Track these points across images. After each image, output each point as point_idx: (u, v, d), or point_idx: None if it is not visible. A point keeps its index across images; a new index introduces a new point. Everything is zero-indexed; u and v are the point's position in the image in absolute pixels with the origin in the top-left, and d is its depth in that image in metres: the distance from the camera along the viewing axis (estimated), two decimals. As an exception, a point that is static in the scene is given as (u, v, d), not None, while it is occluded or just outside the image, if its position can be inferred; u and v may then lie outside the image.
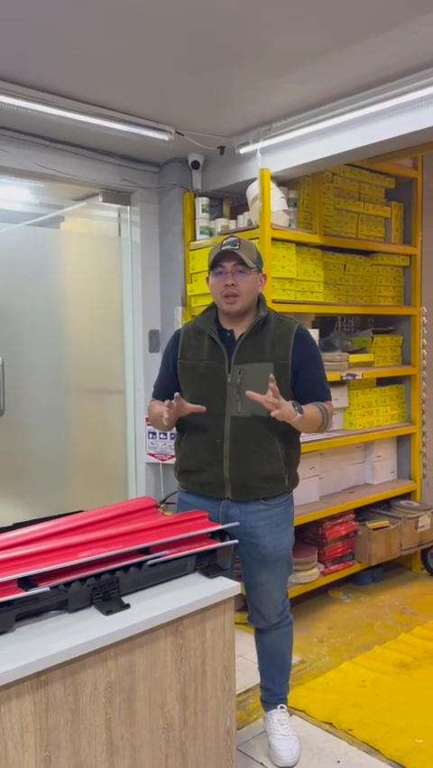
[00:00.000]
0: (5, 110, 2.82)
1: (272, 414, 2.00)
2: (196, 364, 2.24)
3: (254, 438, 2.13)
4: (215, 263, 2.16)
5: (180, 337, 2.32)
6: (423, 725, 2.50)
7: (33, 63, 2.53)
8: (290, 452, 2.22)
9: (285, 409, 2.01)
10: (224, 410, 2.15)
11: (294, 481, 2.27)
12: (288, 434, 2.19)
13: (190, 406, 2.13)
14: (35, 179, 3.43)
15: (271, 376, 2.02)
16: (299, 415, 2.05)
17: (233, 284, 2.13)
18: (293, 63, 2.54)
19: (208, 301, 3.44)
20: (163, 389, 2.34)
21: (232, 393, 2.15)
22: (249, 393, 2.02)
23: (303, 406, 2.11)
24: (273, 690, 2.42)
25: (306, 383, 2.19)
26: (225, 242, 2.16)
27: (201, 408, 2.13)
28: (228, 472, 2.17)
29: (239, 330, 2.21)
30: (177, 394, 2.10)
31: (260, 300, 2.24)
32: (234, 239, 2.16)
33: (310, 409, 2.14)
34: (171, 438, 3.68)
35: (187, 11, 2.15)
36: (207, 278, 2.24)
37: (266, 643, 2.39)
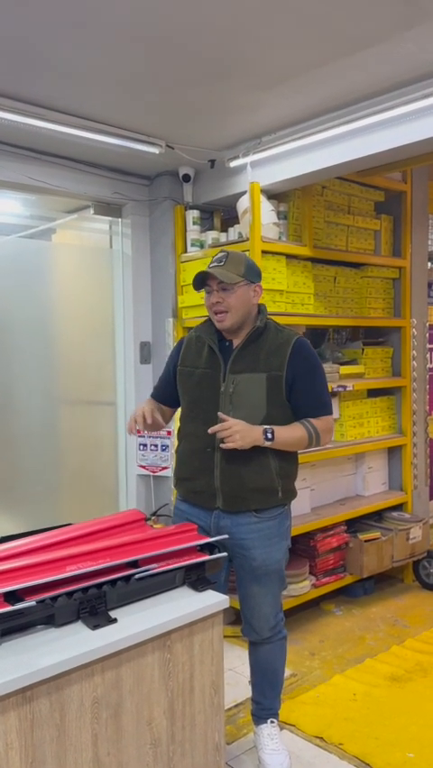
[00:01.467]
0: (-4, 123, 2.83)
1: (224, 446, 2.05)
2: (192, 371, 2.26)
3: (246, 451, 2.11)
4: (202, 283, 2.18)
5: (183, 344, 2.36)
6: (414, 738, 2.49)
7: (25, 78, 2.54)
8: (283, 464, 2.20)
9: (244, 440, 2.05)
10: (215, 419, 2.15)
11: (289, 494, 2.25)
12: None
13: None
14: (27, 192, 3.44)
15: (220, 414, 2.07)
16: (267, 443, 2.08)
17: (219, 301, 2.15)
18: (282, 77, 2.57)
19: (199, 313, 3.47)
20: (162, 393, 2.43)
21: (225, 402, 2.15)
22: (212, 430, 2.07)
23: (283, 428, 2.12)
24: (264, 704, 2.40)
25: (301, 396, 2.18)
26: (214, 258, 2.19)
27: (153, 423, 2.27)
28: (219, 482, 2.17)
29: (237, 340, 2.22)
30: (149, 421, 2.24)
31: (260, 311, 2.24)
32: (221, 255, 2.17)
33: (292, 430, 2.14)
34: (162, 450, 3.68)
35: (176, 26, 2.17)
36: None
37: (258, 656, 2.38)
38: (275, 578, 2.27)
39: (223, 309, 2.15)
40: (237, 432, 2.03)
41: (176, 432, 2.41)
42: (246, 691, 2.52)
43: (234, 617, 3.30)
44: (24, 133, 3.00)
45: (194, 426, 2.21)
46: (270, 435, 2.08)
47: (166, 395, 2.41)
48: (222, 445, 2.06)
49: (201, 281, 2.17)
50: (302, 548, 3.66)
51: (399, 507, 4.14)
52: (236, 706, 2.72)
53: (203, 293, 2.24)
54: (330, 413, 2.24)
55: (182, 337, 2.41)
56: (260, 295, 2.23)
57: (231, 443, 2.04)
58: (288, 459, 2.23)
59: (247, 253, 3.20)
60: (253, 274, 2.20)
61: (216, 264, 2.16)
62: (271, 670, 2.39)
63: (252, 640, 2.37)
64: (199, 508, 2.24)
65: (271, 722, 2.40)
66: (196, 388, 2.24)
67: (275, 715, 2.42)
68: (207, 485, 2.19)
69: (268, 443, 2.08)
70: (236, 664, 2.97)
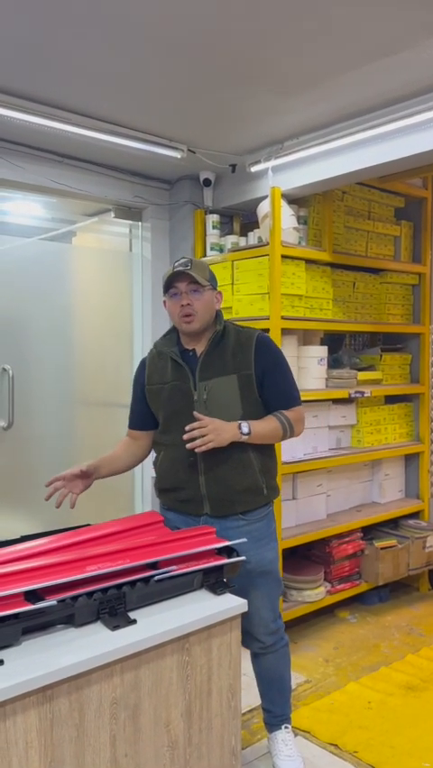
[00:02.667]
0: (21, 126, 2.86)
1: (199, 449, 2.03)
2: (162, 387, 2.25)
3: (227, 451, 2.11)
4: (168, 285, 2.18)
5: (147, 364, 2.34)
6: (430, 748, 2.47)
7: (49, 81, 2.57)
8: (264, 461, 2.22)
9: (220, 437, 2.04)
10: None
11: (272, 492, 2.26)
12: (262, 445, 2.20)
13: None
14: (48, 195, 3.47)
15: (195, 413, 2.06)
16: (244, 437, 2.08)
17: (188, 304, 2.15)
18: (306, 83, 2.57)
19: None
20: (136, 417, 2.38)
21: (200, 410, 2.15)
22: (188, 430, 2.04)
23: (256, 421, 2.13)
24: (275, 711, 2.38)
25: (271, 390, 2.20)
26: (176, 263, 2.18)
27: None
28: (205, 488, 2.17)
29: (200, 348, 2.22)
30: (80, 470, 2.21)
31: (217, 316, 2.25)
32: (185, 260, 2.18)
33: (266, 423, 2.15)
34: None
35: (201, 31, 2.18)
36: (164, 301, 2.25)
37: (263, 666, 2.36)
38: (270, 579, 2.26)
39: (191, 311, 2.15)
40: (212, 431, 2.03)
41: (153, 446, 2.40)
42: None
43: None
44: (47, 136, 3.03)
45: (173, 437, 2.20)
46: (246, 429, 2.08)
47: (142, 418, 2.35)
48: (197, 449, 2.03)
49: (171, 282, 2.18)
50: (318, 554, 3.64)
51: (415, 515, 4.11)
52: (250, 711, 2.71)
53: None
54: (300, 404, 2.27)
55: (144, 357, 2.39)
56: (220, 302, 2.27)
57: (208, 443, 2.02)
58: (268, 455, 2.25)
59: (267, 258, 3.22)
60: (214, 281, 2.26)
61: (182, 267, 2.15)
62: (278, 678, 2.37)
63: (255, 651, 2.34)
64: (186, 516, 2.23)
65: (286, 728, 2.38)
66: (168, 402, 2.23)
67: (288, 720, 2.40)
68: (194, 493, 2.19)
69: (245, 438, 2.08)
70: (250, 669, 2.95)
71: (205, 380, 2.17)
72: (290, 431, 2.21)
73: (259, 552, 2.20)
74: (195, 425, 2.05)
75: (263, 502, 2.23)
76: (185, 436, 2.05)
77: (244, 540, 2.04)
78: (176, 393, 2.21)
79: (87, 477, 2.25)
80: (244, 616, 2.25)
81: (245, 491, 2.18)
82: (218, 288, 2.28)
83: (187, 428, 2.05)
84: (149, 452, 2.42)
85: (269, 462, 2.26)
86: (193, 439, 2.04)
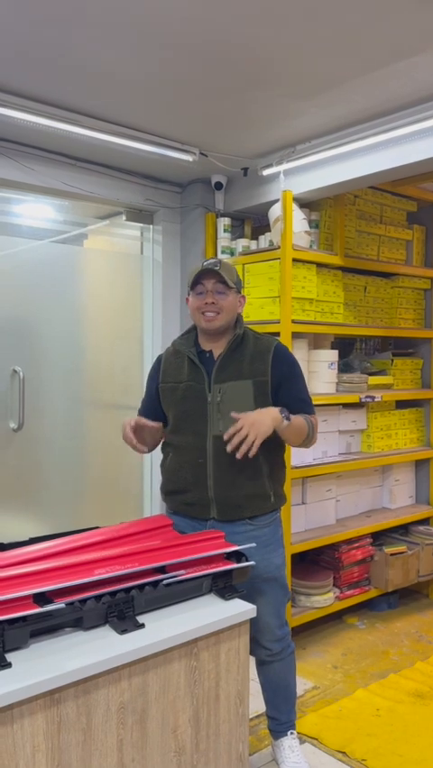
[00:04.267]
0: (34, 129, 2.87)
1: (247, 443, 1.96)
2: (176, 386, 2.24)
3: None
4: (195, 282, 2.18)
5: (162, 361, 2.34)
6: (439, 758, 2.44)
7: (62, 84, 2.58)
8: (274, 469, 2.21)
9: (261, 429, 1.97)
10: (205, 430, 2.15)
11: (280, 499, 2.25)
12: (272, 452, 2.18)
13: (148, 423, 2.17)
14: (60, 197, 3.48)
15: (234, 414, 2.00)
16: (285, 422, 2.05)
17: (213, 302, 2.15)
18: (318, 87, 2.56)
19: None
20: (148, 413, 2.34)
21: (213, 412, 2.14)
22: (232, 420, 2.00)
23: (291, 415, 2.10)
24: (281, 719, 2.37)
25: (288, 399, 2.18)
26: (205, 262, 2.18)
27: (155, 425, 2.17)
28: (213, 492, 2.16)
29: (218, 350, 2.21)
30: (140, 421, 2.16)
31: (237, 320, 2.25)
32: (214, 260, 2.18)
33: (298, 419, 2.13)
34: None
35: (213, 35, 2.18)
36: (187, 298, 2.25)
37: (269, 674, 2.34)
38: (276, 586, 2.25)
39: (216, 309, 2.15)
40: (250, 427, 1.97)
41: (160, 446, 2.37)
42: (268, 702, 2.50)
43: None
44: (60, 139, 3.04)
45: (183, 439, 2.19)
46: (286, 414, 2.06)
47: (152, 413, 2.33)
48: (250, 454, 1.98)
49: (198, 279, 2.17)
50: (327, 560, 3.62)
51: (425, 522, 4.08)
52: (258, 717, 2.69)
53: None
54: (314, 413, 2.26)
55: (159, 354, 2.39)
56: (243, 306, 2.27)
57: (252, 443, 1.96)
58: (278, 463, 2.25)
59: (278, 261, 3.21)
60: (240, 284, 2.25)
61: (211, 266, 2.15)
62: (284, 685, 2.35)
63: (261, 659, 2.32)
64: (193, 519, 2.22)
65: (291, 734, 2.36)
66: (181, 401, 2.22)
67: (293, 726, 2.38)
68: (201, 496, 2.17)
69: (286, 423, 2.04)
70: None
71: (220, 383, 2.16)
72: (312, 434, 2.19)
73: (265, 557, 2.19)
74: (231, 431, 1.99)
75: (271, 509, 2.22)
76: (228, 448, 1.99)
77: (253, 545, 2.03)
78: (190, 393, 2.20)
79: (144, 429, 2.20)
80: (250, 622, 2.25)
81: (253, 497, 2.16)
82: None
83: (225, 437, 2.00)
84: (155, 446, 2.38)
85: (278, 470, 2.25)
86: (238, 446, 1.97)
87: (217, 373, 2.17)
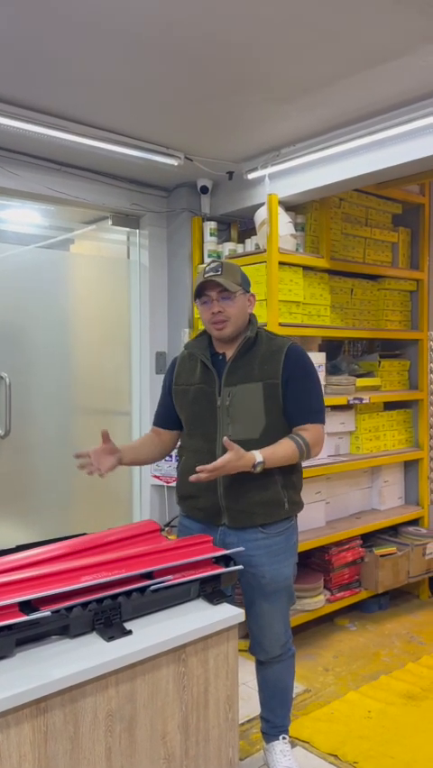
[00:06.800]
0: (17, 134, 2.86)
1: (203, 476, 1.96)
2: (187, 389, 2.23)
3: None
4: (199, 292, 2.16)
5: (177, 364, 2.33)
6: (430, 758, 2.44)
7: (46, 89, 2.57)
8: (288, 476, 2.17)
9: (227, 471, 1.97)
10: (215, 434, 2.13)
11: (295, 506, 2.21)
12: None
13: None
14: (46, 202, 3.47)
15: (225, 440, 1.97)
16: (257, 468, 2.00)
17: (219, 311, 2.13)
18: (302, 90, 2.57)
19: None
20: (162, 416, 2.37)
21: (222, 416, 2.13)
22: (198, 473, 1.96)
23: (270, 449, 2.04)
24: (275, 721, 2.36)
25: (293, 400, 2.13)
26: (207, 268, 2.14)
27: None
28: (223, 499, 2.14)
29: (230, 352, 2.19)
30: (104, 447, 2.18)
31: (250, 321, 2.22)
32: (215, 264, 2.14)
33: (283, 449, 2.06)
34: (177, 461, 3.66)
35: (196, 38, 2.18)
36: (196, 304, 2.23)
37: (268, 675, 2.34)
38: (284, 594, 2.23)
39: (223, 318, 2.13)
40: (220, 470, 1.96)
41: (177, 450, 2.38)
42: (259, 707, 2.49)
43: (245, 631, 3.27)
44: (44, 144, 3.03)
45: (194, 442, 2.19)
46: (258, 468, 2.01)
47: (167, 418, 2.34)
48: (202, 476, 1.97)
49: (200, 291, 2.15)
50: (317, 562, 3.62)
51: (415, 522, 4.09)
52: (249, 721, 2.69)
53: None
54: (321, 421, 2.18)
55: (175, 357, 2.38)
56: (254, 304, 2.23)
57: (213, 477, 1.99)
58: (292, 470, 2.20)
59: (264, 265, 3.21)
60: (246, 283, 2.21)
61: (213, 273, 2.12)
62: (282, 688, 2.35)
63: (261, 659, 2.32)
64: (204, 524, 2.21)
65: (283, 738, 2.36)
66: (192, 404, 2.21)
67: (286, 731, 2.38)
68: (212, 502, 2.15)
69: (258, 470, 2.01)
70: (249, 679, 2.93)
71: (230, 386, 2.14)
72: (307, 453, 2.11)
73: (275, 567, 2.17)
74: (207, 467, 1.95)
75: (284, 516, 2.18)
76: (191, 478, 1.98)
77: (242, 549, 2.02)
78: (200, 396, 2.18)
79: (111, 454, 2.20)
80: (255, 626, 2.25)
81: (264, 504, 2.12)
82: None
83: (198, 468, 1.96)
84: (171, 450, 2.39)
85: (293, 478, 2.20)
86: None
87: (228, 376, 2.15)
